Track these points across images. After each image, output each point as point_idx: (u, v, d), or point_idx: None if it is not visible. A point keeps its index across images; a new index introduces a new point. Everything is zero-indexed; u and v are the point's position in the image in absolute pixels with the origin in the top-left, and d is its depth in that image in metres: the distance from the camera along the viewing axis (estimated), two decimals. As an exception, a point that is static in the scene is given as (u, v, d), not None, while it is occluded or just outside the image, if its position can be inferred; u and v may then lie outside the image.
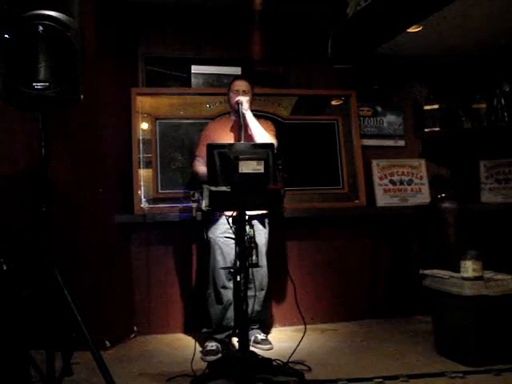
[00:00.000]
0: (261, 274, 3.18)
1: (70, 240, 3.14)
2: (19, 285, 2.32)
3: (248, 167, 2.43)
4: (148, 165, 3.69)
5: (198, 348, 3.06)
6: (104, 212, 3.34)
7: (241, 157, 2.44)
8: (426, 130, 4.20)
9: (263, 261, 3.17)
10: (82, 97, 2.27)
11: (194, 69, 4.22)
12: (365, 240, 3.98)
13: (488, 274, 2.89)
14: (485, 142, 4.17)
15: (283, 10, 3.94)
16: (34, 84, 2.14)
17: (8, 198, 3.16)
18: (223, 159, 2.50)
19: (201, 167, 3.20)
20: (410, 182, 4.13)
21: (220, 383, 2.54)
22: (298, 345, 2.79)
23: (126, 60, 3.83)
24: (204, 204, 2.50)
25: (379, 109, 4.27)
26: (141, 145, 3.71)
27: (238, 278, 2.53)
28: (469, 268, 2.79)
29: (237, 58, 4.18)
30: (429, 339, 3.16)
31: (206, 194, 2.47)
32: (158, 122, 3.77)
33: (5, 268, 2.28)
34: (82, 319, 2.21)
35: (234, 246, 2.65)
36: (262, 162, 2.44)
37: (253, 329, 3.25)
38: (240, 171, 2.42)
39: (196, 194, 2.70)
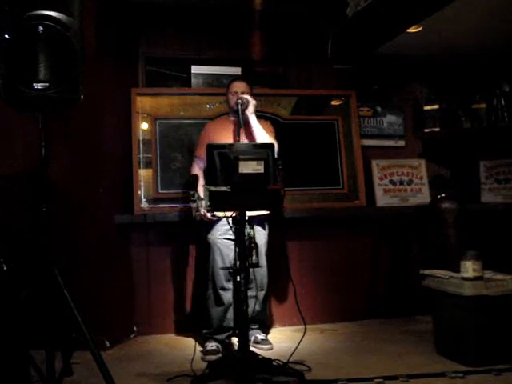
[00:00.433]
0: (261, 274, 3.18)
1: (70, 240, 3.14)
2: (19, 285, 2.31)
3: (248, 167, 2.43)
4: (148, 165, 3.69)
5: (198, 348, 3.06)
6: (104, 212, 3.34)
7: (241, 157, 2.44)
8: (426, 130, 4.20)
9: (263, 261, 3.17)
10: (82, 97, 2.27)
11: (194, 69, 4.22)
12: (365, 240, 3.98)
13: (488, 274, 2.89)
14: (485, 142, 4.17)
15: (283, 10, 3.94)
16: (34, 84, 2.14)
17: (8, 198, 3.16)
18: (223, 159, 2.50)
19: (193, 171, 3.24)
20: (409, 182, 4.13)
21: (220, 383, 2.54)
22: (298, 345, 2.79)
23: (126, 60, 3.83)
24: (204, 204, 2.50)
25: (379, 109, 4.27)
26: (141, 145, 3.71)
27: (238, 279, 2.53)
28: (469, 268, 2.79)
29: (237, 58, 4.18)
30: (429, 339, 3.16)
31: (205, 194, 2.47)
32: (158, 122, 3.77)
33: (5, 268, 2.28)
34: (82, 319, 2.21)
35: (233, 247, 2.65)
36: (262, 162, 2.44)
37: (253, 329, 3.25)
38: (240, 171, 2.42)
39: (196, 194, 2.70)
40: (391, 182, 4.11)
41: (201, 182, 3.02)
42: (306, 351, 3.04)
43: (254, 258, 2.60)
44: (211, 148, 2.55)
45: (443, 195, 3.76)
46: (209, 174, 2.55)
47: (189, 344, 3.35)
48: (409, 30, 3.35)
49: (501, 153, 4.13)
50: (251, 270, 2.64)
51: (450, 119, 4.16)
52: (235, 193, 2.45)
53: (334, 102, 4.13)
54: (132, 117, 3.70)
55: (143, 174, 3.68)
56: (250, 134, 3.17)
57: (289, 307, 3.67)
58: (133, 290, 3.61)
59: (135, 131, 3.70)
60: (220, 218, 3.09)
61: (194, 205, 2.80)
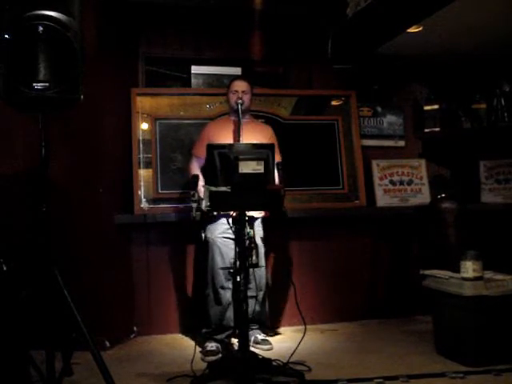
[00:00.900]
0: (259, 274, 3.18)
1: (70, 240, 3.14)
2: (19, 285, 2.31)
3: (248, 167, 2.43)
4: (148, 165, 3.69)
5: (198, 348, 3.06)
6: (104, 212, 3.34)
7: (241, 157, 2.44)
8: (426, 130, 4.20)
9: (262, 261, 3.16)
10: (82, 97, 2.27)
11: (194, 69, 4.23)
12: (365, 240, 3.98)
13: (488, 274, 2.89)
14: (485, 142, 4.17)
15: (283, 10, 3.94)
16: (34, 84, 2.14)
17: (8, 197, 3.16)
18: (223, 159, 2.50)
19: (191, 170, 3.24)
20: (410, 183, 4.13)
21: (220, 383, 2.54)
22: (298, 345, 2.79)
23: (125, 60, 3.83)
24: (204, 204, 2.50)
25: (379, 109, 4.27)
26: (141, 145, 3.71)
27: (238, 279, 2.53)
28: (469, 268, 2.79)
29: (237, 58, 4.18)
30: (429, 339, 3.16)
31: (206, 194, 2.47)
32: (157, 122, 3.77)
33: (5, 268, 2.28)
34: (82, 319, 2.21)
35: (232, 246, 2.65)
36: (262, 162, 2.44)
37: (253, 329, 3.25)
38: (240, 171, 2.42)
39: (196, 194, 2.70)
40: (391, 182, 4.11)
41: (200, 182, 3.02)
42: (306, 351, 3.04)
43: (253, 258, 2.60)
44: (211, 148, 2.56)
45: (443, 195, 3.76)
46: (209, 174, 2.55)
47: (189, 344, 3.35)
48: (409, 30, 3.35)
49: (501, 153, 4.13)
50: (251, 270, 2.64)
51: (450, 119, 4.16)
52: (235, 193, 2.45)
53: (334, 102, 4.13)
54: (132, 117, 3.70)
55: (143, 174, 3.67)
56: (250, 135, 3.16)
57: (289, 307, 3.67)
58: (133, 290, 3.61)
59: (135, 131, 3.70)
60: (219, 217, 3.09)
61: (194, 205, 2.80)
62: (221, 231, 3.13)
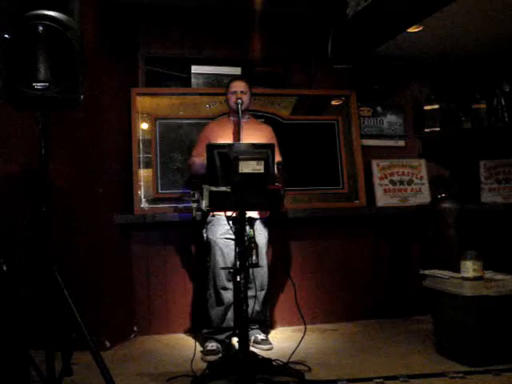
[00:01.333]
0: (261, 274, 3.18)
1: (70, 240, 3.15)
2: (19, 285, 2.31)
3: (248, 167, 2.43)
4: (148, 165, 3.69)
5: (199, 348, 3.06)
6: (104, 212, 3.34)
7: (241, 157, 2.44)
8: (426, 130, 4.20)
9: (263, 261, 3.17)
10: (81, 97, 2.27)
11: (194, 69, 4.22)
12: (365, 240, 3.98)
13: (488, 274, 2.89)
14: (485, 142, 4.16)
15: (283, 9, 3.94)
16: (34, 84, 2.14)
17: (8, 197, 3.16)
18: (223, 159, 2.50)
19: (192, 158, 3.23)
20: (410, 182, 4.13)
21: (220, 383, 2.54)
22: (298, 345, 2.79)
23: (126, 60, 3.83)
24: (204, 204, 2.50)
25: (379, 109, 4.27)
26: (141, 145, 3.71)
27: (238, 279, 2.53)
28: (469, 268, 2.79)
29: (237, 58, 4.17)
30: (429, 339, 3.16)
31: (206, 194, 2.47)
32: (157, 122, 3.77)
33: (5, 268, 2.28)
34: (82, 319, 2.21)
35: (234, 246, 2.65)
36: (262, 162, 2.44)
37: (253, 329, 3.25)
38: (240, 171, 2.42)
39: (196, 194, 2.70)
40: (391, 181, 4.11)
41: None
42: (306, 351, 3.04)
43: (254, 258, 2.60)
44: (211, 148, 2.56)
45: (443, 195, 3.76)
46: (209, 174, 2.55)
47: (189, 344, 3.35)
48: (409, 30, 3.35)
49: (501, 153, 4.13)
50: (251, 270, 2.64)
51: (450, 119, 4.15)
52: (235, 193, 2.45)
53: (334, 102, 4.13)
54: (132, 117, 3.70)
55: (143, 174, 3.67)
56: (250, 135, 3.17)
57: (289, 307, 3.67)
58: (133, 290, 3.61)
59: (135, 131, 3.70)
60: (220, 218, 3.09)
61: (194, 205, 2.81)
62: (222, 232, 3.13)
